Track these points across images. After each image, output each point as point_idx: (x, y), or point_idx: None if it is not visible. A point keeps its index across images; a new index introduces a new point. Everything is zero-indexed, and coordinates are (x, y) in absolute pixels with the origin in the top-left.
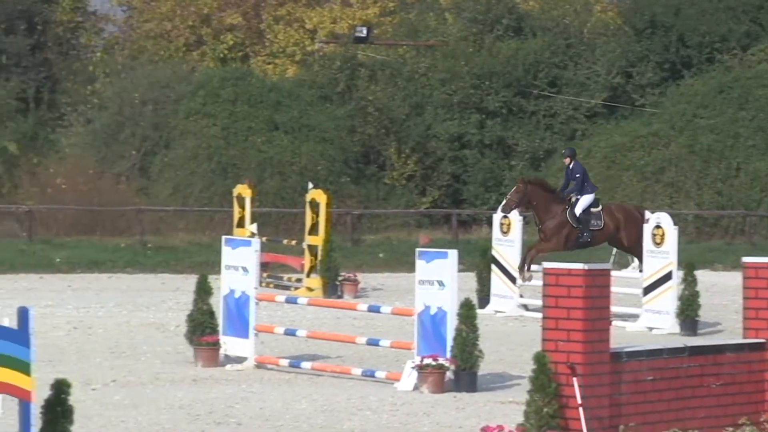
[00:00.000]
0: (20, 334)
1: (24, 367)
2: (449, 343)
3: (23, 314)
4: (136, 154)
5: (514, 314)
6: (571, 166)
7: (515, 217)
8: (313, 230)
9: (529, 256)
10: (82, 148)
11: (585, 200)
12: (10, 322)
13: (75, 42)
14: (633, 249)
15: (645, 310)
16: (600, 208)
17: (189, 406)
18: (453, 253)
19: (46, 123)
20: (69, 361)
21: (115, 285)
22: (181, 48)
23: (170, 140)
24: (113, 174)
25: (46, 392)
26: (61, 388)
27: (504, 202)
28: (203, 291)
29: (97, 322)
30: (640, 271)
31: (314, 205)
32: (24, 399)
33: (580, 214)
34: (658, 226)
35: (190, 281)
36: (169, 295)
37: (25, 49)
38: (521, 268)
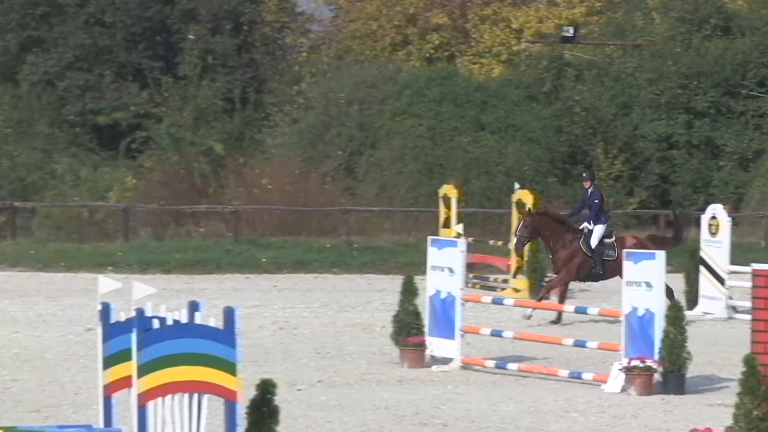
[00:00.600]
0: (227, 334)
1: (230, 368)
2: (657, 345)
3: (229, 314)
4: (341, 154)
5: (723, 316)
6: (590, 190)
7: (724, 218)
8: None
9: (541, 294)
10: (287, 148)
11: (599, 230)
12: (216, 322)
13: (281, 42)
14: None
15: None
16: (614, 239)
17: (394, 407)
18: (661, 255)
19: (252, 123)
20: (275, 361)
21: (320, 285)
22: (386, 48)
23: (376, 140)
24: (319, 174)
25: (251, 392)
26: (266, 389)
27: (516, 239)
28: (409, 292)
29: (303, 322)
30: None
31: (521, 206)
32: (230, 399)
33: (596, 245)
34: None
35: (395, 282)
36: (375, 295)
37: (231, 49)
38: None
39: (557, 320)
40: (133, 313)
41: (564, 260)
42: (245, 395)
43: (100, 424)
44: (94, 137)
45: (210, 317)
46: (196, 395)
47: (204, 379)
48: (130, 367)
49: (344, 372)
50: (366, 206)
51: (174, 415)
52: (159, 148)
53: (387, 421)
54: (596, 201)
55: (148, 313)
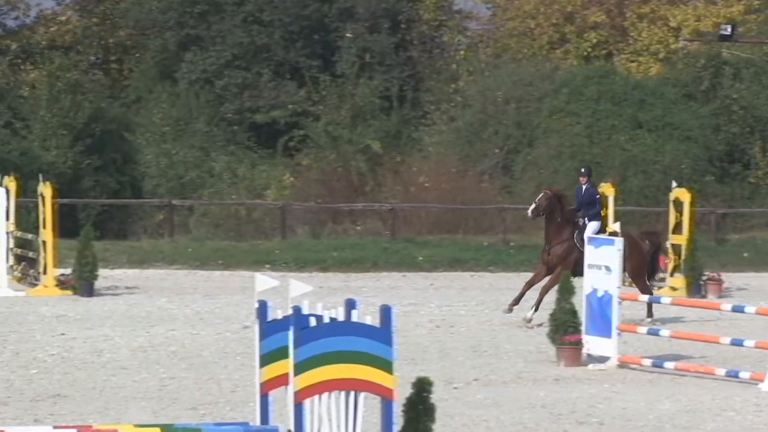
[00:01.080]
0: (383, 332)
1: (386, 366)
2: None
3: (386, 312)
4: (498, 153)
5: None
6: (585, 186)
7: None
8: (677, 229)
9: (538, 299)
10: (445, 146)
11: (594, 227)
12: (373, 320)
13: (438, 40)
14: (634, 279)
15: None
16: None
17: (551, 406)
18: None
19: (409, 121)
20: (431, 359)
21: (477, 283)
22: (544, 46)
23: (533, 138)
24: (476, 172)
25: (407, 390)
26: (423, 387)
27: (534, 206)
28: (566, 290)
29: (460, 320)
30: (649, 321)
31: (678, 204)
32: (386, 397)
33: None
34: None
35: None
36: (532, 293)
37: (389, 47)
38: (514, 303)
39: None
40: (290, 311)
41: (561, 257)
42: (401, 393)
43: (257, 421)
44: (251, 135)
45: (366, 315)
46: (352, 393)
47: (360, 377)
48: (287, 365)
49: (500, 370)
50: (523, 204)
51: (330, 412)
52: (316, 146)
53: (543, 420)
54: (597, 197)
55: (305, 311)
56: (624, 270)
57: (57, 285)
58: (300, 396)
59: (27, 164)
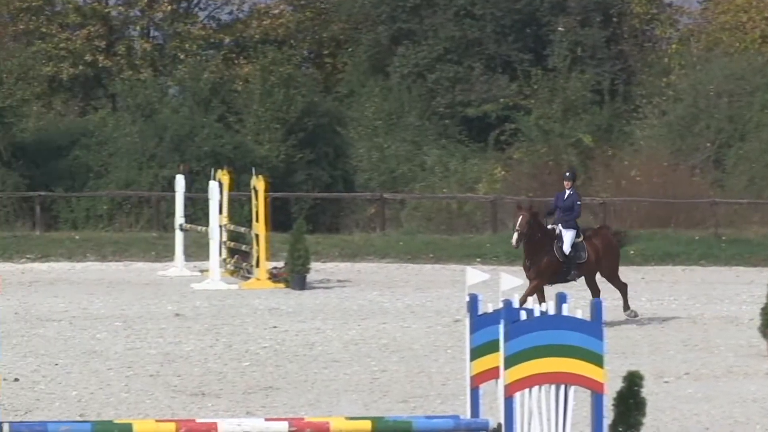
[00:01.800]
0: (594, 326)
1: (597, 359)
2: None
3: (596, 306)
4: (710, 147)
5: None
6: (569, 191)
7: None
8: None
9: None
10: (656, 140)
11: (571, 235)
12: (583, 314)
13: (650, 34)
14: (611, 280)
15: None
16: (581, 238)
17: (762, 400)
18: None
19: (620, 115)
20: (641, 353)
21: (688, 277)
22: (756, 40)
23: (745, 132)
24: (687, 166)
25: (618, 384)
26: (634, 381)
27: (516, 235)
28: None
29: (670, 314)
30: (630, 313)
31: None
32: (596, 391)
33: (570, 251)
34: None
35: (764, 274)
36: (743, 288)
37: (600, 41)
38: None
39: None
40: (500, 305)
41: (541, 269)
42: (611, 387)
43: (467, 414)
44: (463, 129)
45: (577, 309)
46: (562, 386)
47: (571, 370)
48: (497, 358)
49: (711, 364)
50: (734, 198)
51: (540, 406)
52: (528, 140)
53: (755, 414)
54: (578, 203)
55: (516, 305)
56: (593, 273)
57: (269, 278)
58: (510, 389)
59: (240, 158)
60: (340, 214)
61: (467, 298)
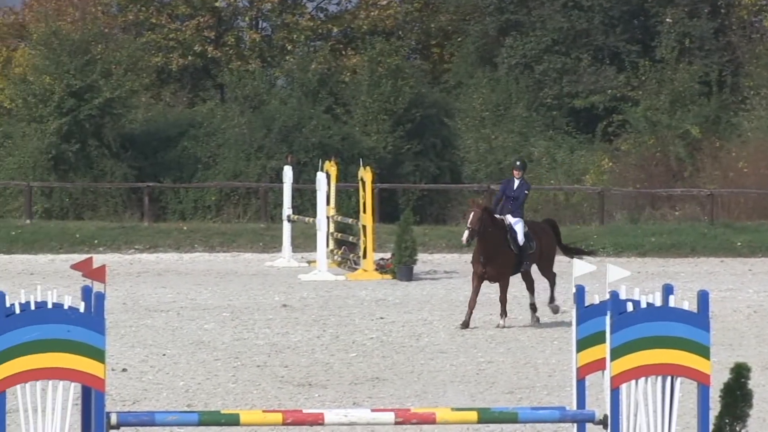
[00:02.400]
0: (700, 317)
1: (702, 351)
2: None
3: (703, 298)
4: None
5: None
6: (518, 180)
7: None
8: None
9: (503, 307)
10: (764, 132)
11: (521, 226)
12: (689, 305)
13: (758, 25)
14: (546, 270)
15: None
16: (527, 229)
17: None
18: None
19: (728, 107)
20: (749, 345)
21: None
22: None
23: None
24: None
25: (724, 376)
26: (741, 372)
27: (467, 232)
28: None
29: None
30: (553, 306)
31: None
32: (702, 382)
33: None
34: None
35: None
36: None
37: (708, 32)
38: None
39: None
40: (607, 296)
41: (501, 268)
42: (718, 379)
43: (573, 406)
44: (570, 120)
45: (684, 300)
46: (668, 378)
47: (677, 362)
48: (603, 350)
49: None
50: None
51: (646, 397)
52: (635, 132)
53: None
54: (526, 192)
55: (622, 296)
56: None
57: (376, 269)
58: (616, 381)
59: (347, 149)
60: (447, 205)
61: (574, 290)
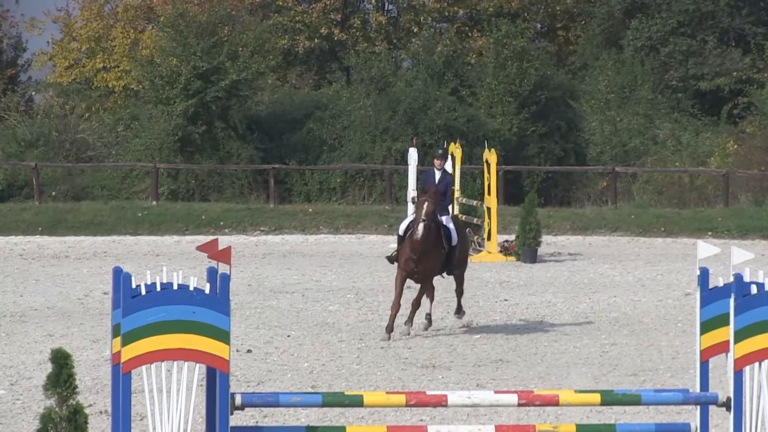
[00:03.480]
0: None
1: None
2: None
3: None
4: None
5: None
6: (439, 171)
7: None
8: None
9: (415, 310)
10: None
11: (451, 222)
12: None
13: None
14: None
15: None
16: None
17: None
18: None
19: None
20: None
21: None
22: None
23: None
24: None
25: None
26: None
27: (422, 227)
28: None
29: None
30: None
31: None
32: None
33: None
34: None
35: None
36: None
37: None
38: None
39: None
40: (731, 279)
41: (433, 269)
42: None
43: (696, 388)
44: (695, 103)
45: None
46: None
47: None
48: (727, 332)
49: None
50: None
51: None
52: (761, 114)
53: None
54: (452, 187)
55: (746, 279)
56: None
57: (500, 251)
58: (740, 363)
59: (472, 131)
60: (571, 187)
61: (698, 272)
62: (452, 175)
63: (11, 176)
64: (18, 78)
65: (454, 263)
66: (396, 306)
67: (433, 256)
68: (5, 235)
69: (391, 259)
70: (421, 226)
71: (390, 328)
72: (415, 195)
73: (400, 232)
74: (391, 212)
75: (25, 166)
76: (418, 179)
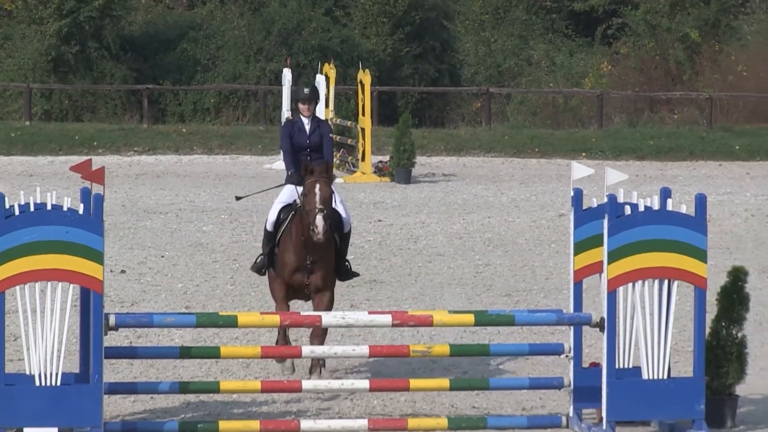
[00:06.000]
0: (696, 221)
1: (699, 254)
2: None
3: (701, 201)
4: None
5: None
6: (310, 122)
7: None
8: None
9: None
10: (764, 35)
11: (339, 198)
12: (687, 209)
13: None
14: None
15: None
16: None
17: None
18: None
19: (728, 10)
20: (745, 248)
21: None
22: None
23: None
24: None
25: (722, 279)
26: (737, 276)
27: (321, 221)
28: None
29: None
30: None
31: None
32: (698, 285)
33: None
34: None
35: None
36: None
37: None
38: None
39: None
40: (605, 199)
41: (329, 265)
42: (714, 282)
43: (570, 309)
44: (569, 23)
45: (681, 204)
46: (665, 281)
47: (673, 265)
48: (600, 253)
49: None
50: None
51: (643, 300)
52: (635, 35)
53: None
54: (330, 136)
55: (620, 200)
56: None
57: (374, 172)
58: (613, 284)
59: (347, 52)
60: (446, 108)
61: (572, 193)
62: (327, 123)
63: None
64: None
65: (344, 266)
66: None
67: (328, 257)
68: None
69: (258, 269)
70: (320, 221)
71: (287, 361)
72: (289, 115)
73: (269, 227)
74: (266, 133)
75: None
76: (291, 101)
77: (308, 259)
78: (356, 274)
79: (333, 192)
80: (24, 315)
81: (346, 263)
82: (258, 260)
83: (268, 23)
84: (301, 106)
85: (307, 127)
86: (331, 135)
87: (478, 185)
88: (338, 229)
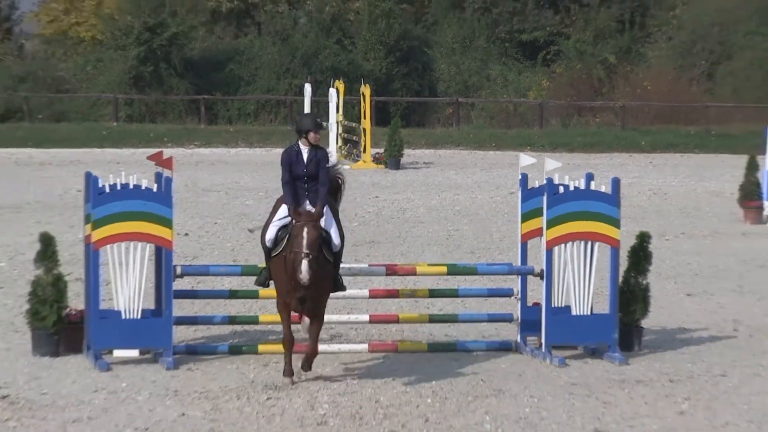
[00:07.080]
0: (612, 197)
1: (614, 223)
2: None
3: (615, 183)
4: (704, 64)
5: None
6: (309, 151)
7: None
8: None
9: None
10: (663, 59)
11: (332, 221)
12: (606, 189)
13: None
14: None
15: None
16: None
17: (739, 254)
18: None
19: (637, 40)
20: (649, 218)
21: (685, 162)
22: None
23: (732, 53)
24: (687, 78)
25: (631, 241)
26: (643, 238)
27: (306, 266)
28: (752, 167)
29: (671, 190)
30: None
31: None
32: (614, 246)
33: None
34: None
35: (742, 160)
36: (727, 170)
37: None
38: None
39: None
40: (544, 182)
41: (323, 281)
42: (626, 243)
43: (518, 262)
44: (519, 50)
45: (601, 185)
46: (589, 243)
47: (595, 230)
48: (540, 221)
49: (701, 227)
50: (722, 103)
51: (573, 256)
52: (567, 59)
53: (732, 264)
54: (325, 162)
55: (555, 182)
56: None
57: (373, 161)
58: (549, 244)
59: (352, 71)
60: (426, 113)
61: (520, 177)
62: (325, 150)
63: (8, 104)
64: (12, 30)
65: (338, 279)
66: (288, 341)
67: (322, 273)
68: (4, 147)
69: (261, 283)
70: (305, 267)
71: (289, 372)
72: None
73: (268, 244)
74: (291, 132)
75: (18, 96)
76: (311, 107)
77: (302, 291)
78: (343, 289)
79: (321, 234)
80: (113, 266)
81: (339, 278)
82: (261, 274)
83: (293, 49)
84: (313, 135)
85: (305, 156)
86: (328, 161)
87: (450, 171)
88: (328, 246)
